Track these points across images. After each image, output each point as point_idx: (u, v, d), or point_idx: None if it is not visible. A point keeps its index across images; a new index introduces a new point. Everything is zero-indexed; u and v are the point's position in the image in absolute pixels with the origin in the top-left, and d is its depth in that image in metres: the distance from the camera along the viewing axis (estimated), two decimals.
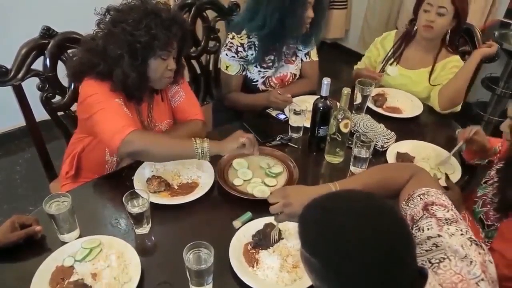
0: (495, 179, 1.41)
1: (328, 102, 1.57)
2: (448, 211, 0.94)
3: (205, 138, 1.40)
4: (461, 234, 0.87)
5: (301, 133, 1.75)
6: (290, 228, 1.27)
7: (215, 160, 1.54)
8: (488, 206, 1.40)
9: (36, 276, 1.11)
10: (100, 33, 1.43)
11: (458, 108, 1.97)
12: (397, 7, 3.85)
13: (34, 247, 1.22)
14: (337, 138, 1.56)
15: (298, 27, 1.85)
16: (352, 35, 4.54)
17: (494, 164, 1.56)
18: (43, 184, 1.94)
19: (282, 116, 1.88)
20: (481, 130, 1.58)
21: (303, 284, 1.12)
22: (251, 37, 1.92)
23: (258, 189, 1.44)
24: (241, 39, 1.92)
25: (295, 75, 2.08)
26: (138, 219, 1.25)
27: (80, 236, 1.25)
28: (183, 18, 1.49)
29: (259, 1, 1.84)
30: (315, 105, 1.58)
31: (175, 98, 1.68)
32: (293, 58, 2.06)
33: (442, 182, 1.47)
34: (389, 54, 2.14)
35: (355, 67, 2.29)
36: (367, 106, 1.89)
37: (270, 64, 2.00)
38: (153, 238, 1.29)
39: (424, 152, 1.64)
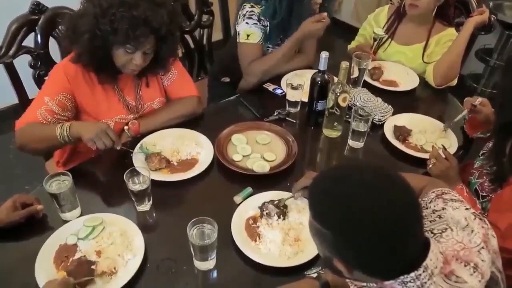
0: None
1: (326, 76, 1.56)
2: (456, 196, 0.96)
3: (69, 123, 1.37)
4: (466, 209, 0.89)
5: (299, 107, 1.75)
6: (291, 203, 1.28)
7: (214, 136, 1.53)
8: (484, 177, 1.42)
9: (40, 255, 1.11)
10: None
11: (454, 82, 1.97)
12: None
13: (36, 226, 1.22)
14: (335, 112, 1.56)
15: (306, 15, 1.80)
16: (345, 8, 4.48)
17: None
18: (38, 163, 1.92)
19: (279, 91, 1.86)
20: (487, 101, 1.57)
21: (306, 257, 1.14)
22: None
23: (257, 164, 1.44)
24: (260, 7, 1.86)
25: (295, 51, 2.05)
26: (139, 196, 1.25)
27: (81, 215, 1.26)
28: (161, 21, 1.33)
29: None
30: (313, 79, 1.57)
31: (167, 76, 1.65)
32: None
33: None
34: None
35: (349, 46, 2.26)
36: (364, 80, 1.89)
37: (279, 43, 1.96)
38: (154, 215, 1.30)
39: (421, 125, 1.65)
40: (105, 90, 1.51)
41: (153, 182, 1.29)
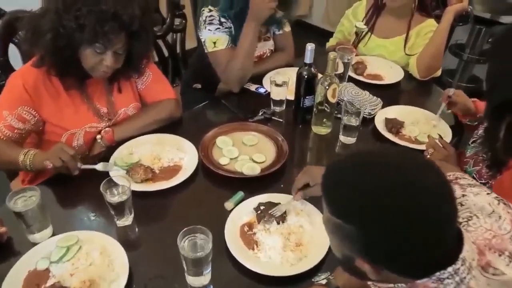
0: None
1: (312, 69, 1.47)
2: (472, 181, 0.88)
3: (35, 151, 1.25)
4: (487, 194, 0.81)
5: (284, 106, 1.65)
6: (290, 204, 1.17)
7: (196, 140, 1.41)
8: (480, 164, 1.36)
9: (5, 285, 0.96)
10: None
11: (439, 73, 1.93)
12: None
13: (0, 251, 1.06)
14: (325, 109, 1.47)
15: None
16: (316, 11, 4.46)
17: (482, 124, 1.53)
18: (2, 184, 1.74)
19: (262, 90, 1.77)
20: (461, 92, 1.54)
21: (311, 263, 1.03)
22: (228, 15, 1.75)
23: (247, 167, 1.33)
24: (219, 10, 1.74)
25: (272, 50, 1.96)
26: (119, 209, 1.11)
27: (53, 234, 1.11)
28: (132, 14, 1.20)
29: None
30: (299, 74, 1.48)
31: (141, 79, 1.51)
32: (268, 35, 1.93)
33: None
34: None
35: (327, 44, 2.20)
36: (348, 75, 1.82)
37: None
38: (137, 229, 1.16)
39: (413, 117, 1.59)
40: (72, 97, 1.37)
41: (134, 193, 1.16)
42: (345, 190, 0.65)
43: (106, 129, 1.40)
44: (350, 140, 1.50)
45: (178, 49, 2.33)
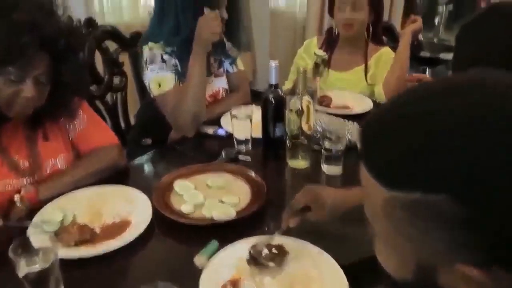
0: None
1: (279, 91, 1.26)
2: None
3: None
4: None
5: (250, 145, 1.40)
6: (290, 244, 0.88)
7: (148, 189, 1.11)
8: None
9: None
10: None
11: None
12: (300, 37, 3.81)
13: None
14: (302, 141, 1.25)
15: None
16: (261, 76, 4.45)
17: None
18: None
19: (221, 132, 1.52)
20: None
21: None
22: (171, 45, 1.54)
23: (218, 211, 1.03)
24: (164, 46, 1.53)
25: (227, 90, 1.76)
26: (39, 283, 0.75)
27: None
28: (55, 27, 0.97)
29: None
30: (265, 98, 1.27)
31: (73, 124, 1.22)
32: (221, 70, 1.75)
33: None
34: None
35: (284, 88, 2.06)
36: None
37: None
38: None
39: None
40: None
41: (64, 262, 0.81)
42: (438, 128, 0.39)
43: (28, 187, 1.06)
44: (336, 170, 1.26)
45: (119, 110, 2.08)
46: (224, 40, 1.48)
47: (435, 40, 3.00)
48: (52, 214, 0.99)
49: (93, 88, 1.87)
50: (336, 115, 1.61)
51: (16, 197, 1.04)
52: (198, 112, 1.48)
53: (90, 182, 1.15)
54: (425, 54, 3.06)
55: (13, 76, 0.95)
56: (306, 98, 1.21)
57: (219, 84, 1.71)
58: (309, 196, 0.86)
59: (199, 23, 1.41)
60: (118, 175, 1.23)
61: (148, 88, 1.55)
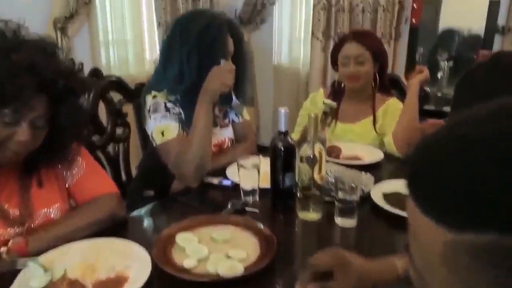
0: None
1: (289, 139, 1.21)
2: None
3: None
4: None
5: (257, 196, 1.33)
6: None
7: (148, 243, 1.02)
8: None
9: None
10: None
11: None
12: (303, 91, 3.81)
13: None
14: (313, 192, 1.18)
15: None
16: (263, 132, 4.44)
17: None
18: None
19: (227, 182, 1.44)
20: None
21: None
22: (175, 94, 1.51)
23: (224, 266, 0.93)
24: (167, 95, 1.50)
25: (233, 140, 1.71)
26: None
27: None
28: (54, 69, 0.93)
29: (171, 43, 1.49)
30: (273, 146, 1.21)
31: (71, 172, 1.15)
32: (226, 121, 1.71)
33: None
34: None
35: (293, 136, 2.02)
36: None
37: None
38: None
39: None
40: None
41: None
42: None
43: (16, 238, 0.98)
44: (350, 222, 1.17)
45: (121, 162, 2.02)
46: (232, 93, 1.46)
47: (439, 94, 3.00)
48: (40, 268, 0.90)
49: (95, 138, 1.83)
50: (347, 166, 1.55)
51: (2, 250, 0.94)
52: (203, 161, 1.42)
53: (85, 233, 1.05)
54: (430, 107, 3.06)
55: (8, 118, 0.89)
56: (318, 146, 1.15)
57: (225, 134, 1.67)
58: (335, 260, 0.76)
59: (212, 72, 1.39)
60: (116, 227, 1.14)
61: (151, 137, 1.50)
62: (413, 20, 3.04)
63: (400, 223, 1.15)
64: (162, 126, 1.46)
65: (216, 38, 1.43)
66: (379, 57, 1.85)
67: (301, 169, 1.19)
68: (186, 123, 1.48)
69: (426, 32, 3.18)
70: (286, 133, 1.20)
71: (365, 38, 1.84)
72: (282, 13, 3.64)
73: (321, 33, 3.31)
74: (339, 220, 1.18)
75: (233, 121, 1.71)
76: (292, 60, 3.77)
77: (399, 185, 1.34)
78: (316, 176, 1.18)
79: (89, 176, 1.16)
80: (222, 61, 1.41)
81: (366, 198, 1.29)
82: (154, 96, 1.49)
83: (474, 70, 0.99)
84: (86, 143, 1.21)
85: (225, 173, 1.48)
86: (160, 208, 1.34)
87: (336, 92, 1.94)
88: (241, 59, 1.57)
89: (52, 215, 1.08)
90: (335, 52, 1.90)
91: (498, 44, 2.87)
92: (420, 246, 0.38)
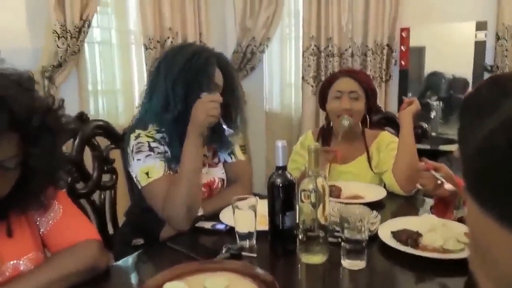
0: None
1: (288, 174, 1.12)
2: None
3: None
4: None
5: (255, 239, 1.21)
6: None
7: None
8: None
9: None
10: None
11: None
12: (296, 136, 3.74)
13: None
14: (317, 232, 1.07)
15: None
16: (256, 179, 4.33)
17: None
18: None
19: (221, 226, 1.33)
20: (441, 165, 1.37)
21: None
22: (161, 130, 1.44)
23: None
24: (150, 133, 1.42)
25: (223, 180, 1.61)
26: None
27: None
28: (29, 105, 0.86)
29: (156, 74, 1.43)
30: (271, 184, 1.12)
31: (46, 217, 1.03)
32: (216, 160, 1.62)
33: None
34: None
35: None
36: None
37: None
38: None
39: (425, 225, 1.20)
40: None
41: None
42: None
43: None
44: (359, 264, 1.06)
45: (107, 211, 1.89)
46: (223, 125, 1.38)
47: (433, 133, 2.97)
48: None
49: (79, 185, 1.73)
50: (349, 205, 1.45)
51: None
52: (194, 200, 1.32)
53: (61, 287, 0.93)
54: (425, 146, 3.02)
55: None
56: (321, 180, 1.06)
57: (215, 174, 1.57)
58: None
59: (195, 105, 1.32)
60: (97, 279, 1.01)
61: (135, 179, 1.41)
62: (402, 62, 3.07)
63: (412, 262, 1.06)
64: (147, 166, 1.37)
65: (202, 69, 1.38)
66: (371, 96, 1.79)
67: (303, 207, 1.09)
68: (173, 160, 1.39)
69: (414, 75, 3.20)
70: (284, 168, 1.11)
71: (359, 75, 1.80)
72: (272, 59, 3.68)
73: (312, 78, 3.32)
74: (346, 262, 1.06)
75: (225, 161, 1.62)
76: (283, 106, 3.76)
77: (406, 222, 1.24)
78: (319, 215, 1.08)
79: (66, 221, 1.04)
80: (203, 94, 1.35)
81: (373, 238, 1.18)
82: (138, 136, 1.42)
83: (474, 93, 0.95)
84: (63, 188, 1.09)
85: (218, 217, 1.37)
86: (146, 256, 1.22)
87: (326, 133, 1.87)
88: (232, 93, 1.51)
89: (22, 267, 0.95)
90: (325, 88, 1.81)
91: None
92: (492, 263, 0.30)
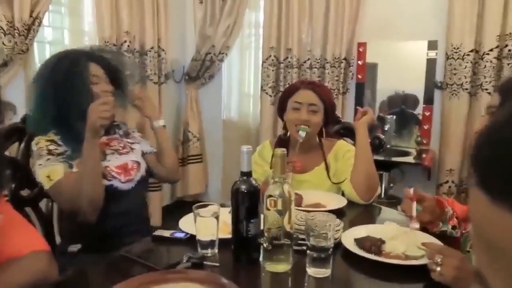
0: None
1: (253, 181, 1.09)
2: None
3: None
4: None
5: (217, 248, 1.17)
6: None
7: None
8: None
9: None
10: None
11: (379, 190, 1.70)
12: (254, 145, 3.74)
13: None
14: (283, 241, 1.05)
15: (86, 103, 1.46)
16: (212, 188, 4.27)
17: (463, 229, 1.27)
18: None
19: (180, 234, 1.27)
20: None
21: None
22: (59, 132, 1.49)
23: None
24: (49, 137, 1.47)
25: (138, 162, 1.62)
26: None
27: None
28: None
29: (34, 85, 1.52)
30: (236, 190, 1.08)
31: None
32: (126, 150, 1.64)
33: None
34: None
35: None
36: None
37: None
38: None
39: (387, 232, 1.21)
40: None
41: None
42: None
43: None
44: (324, 272, 1.04)
45: (54, 220, 1.77)
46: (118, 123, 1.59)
47: (388, 145, 3.06)
48: None
49: (24, 192, 1.61)
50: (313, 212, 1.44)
51: None
52: (95, 196, 1.42)
53: None
54: (380, 157, 3.10)
55: None
56: (287, 186, 1.04)
57: (127, 159, 1.61)
58: None
59: (90, 108, 1.40)
60: None
61: (42, 184, 1.43)
62: (359, 76, 3.16)
63: (375, 268, 1.06)
64: (47, 170, 1.41)
65: (69, 69, 1.46)
66: (330, 110, 1.78)
67: (268, 215, 1.06)
68: (74, 157, 1.46)
69: (370, 89, 3.31)
70: (249, 174, 1.08)
71: (320, 88, 1.80)
72: (231, 69, 3.66)
73: (271, 88, 3.33)
74: (311, 270, 1.05)
75: (143, 152, 1.69)
76: (241, 115, 3.75)
77: (368, 230, 1.25)
78: (285, 222, 1.05)
79: (9, 232, 0.95)
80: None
81: (336, 245, 1.18)
82: (37, 143, 1.48)
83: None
84: (7, 196, 1.00)
85: (178, 225, 1.31)
86: (99, 267, 1.13)
87: (283, 143, 1.85)
88: (119, 79, 1.63)
89: None
90: (285, 98, 1.79)
91: (438, 99, 3.03)
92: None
